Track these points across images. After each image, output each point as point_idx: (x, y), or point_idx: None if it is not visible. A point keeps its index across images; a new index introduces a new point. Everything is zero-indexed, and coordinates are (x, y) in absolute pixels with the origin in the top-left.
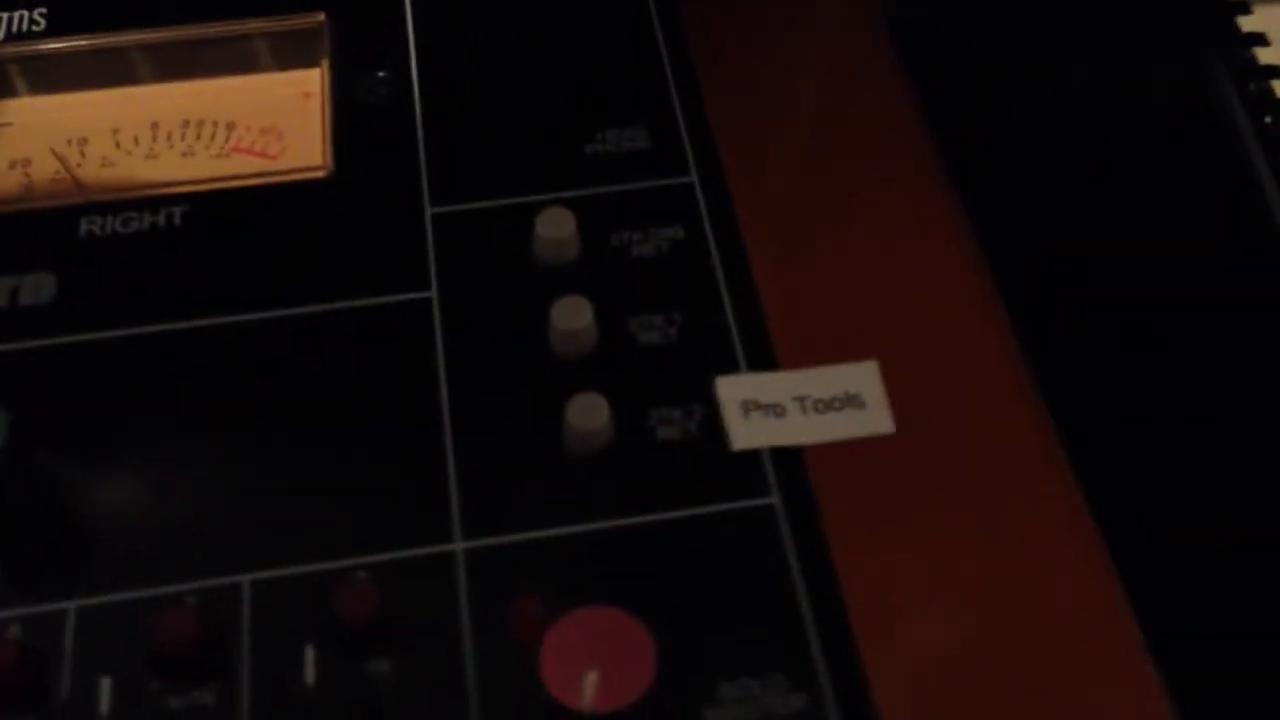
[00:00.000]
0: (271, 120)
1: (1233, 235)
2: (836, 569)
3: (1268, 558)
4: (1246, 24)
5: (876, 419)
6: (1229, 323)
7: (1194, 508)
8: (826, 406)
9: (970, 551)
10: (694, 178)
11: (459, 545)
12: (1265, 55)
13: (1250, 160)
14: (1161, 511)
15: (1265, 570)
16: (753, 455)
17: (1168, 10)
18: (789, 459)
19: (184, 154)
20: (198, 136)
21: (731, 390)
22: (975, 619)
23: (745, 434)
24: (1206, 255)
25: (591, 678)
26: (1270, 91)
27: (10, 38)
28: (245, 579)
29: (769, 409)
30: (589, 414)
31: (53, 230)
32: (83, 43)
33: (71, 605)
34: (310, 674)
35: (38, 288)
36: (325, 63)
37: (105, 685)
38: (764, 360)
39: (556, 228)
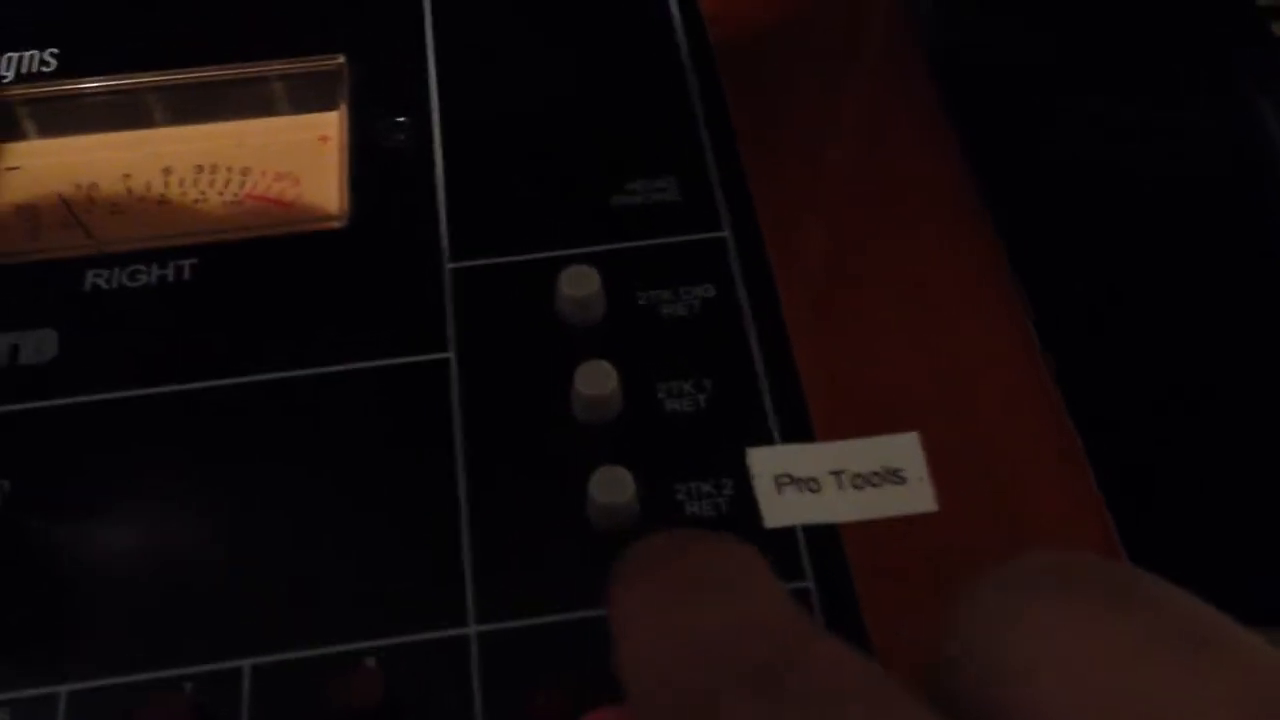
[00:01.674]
0: (287, 166)
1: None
2: (873, 652)
3: None
4: None
5: (918, 495)
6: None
7: (1247, 588)
8: (865, 481)
9: None
10: (727, 232)
11: (473, 629)
12: None
13: None
14: (1213, 584)
15: None
16: (787, 534)
17: (1213, 47)
18: (825, 538)
19: (196, 200)
20: (211, 183)
21: (764, 463)
22: None
23: (778, 511)
24: (1253, 301)
25: None
26: None
27: (20, 79)
28: (246, 663)
29: (803, 483)
30: (614, 488)
31: (58, 283)
32: (94, 84)
33: (63, 689)
34: None
35: (39, 345)
36: (344, 106)
37: None
38: (799, 430)
39: (580, 286)
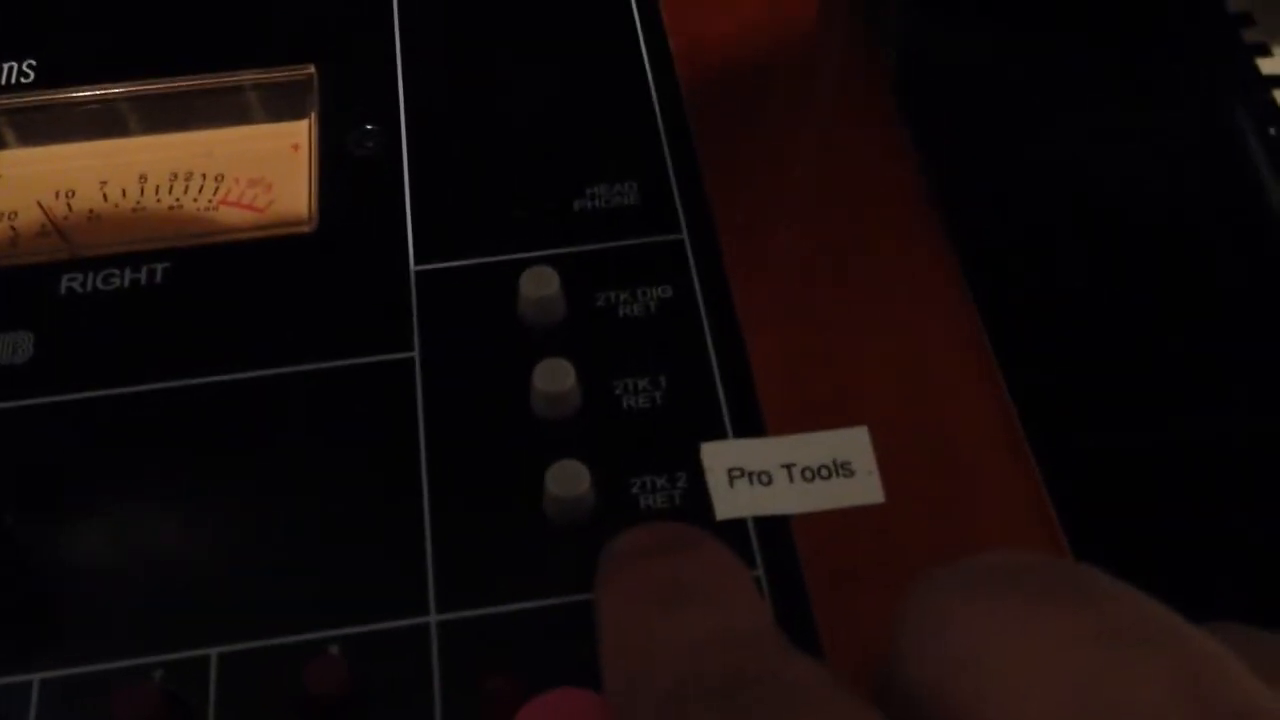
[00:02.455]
0: (260, 172)
1: (1253, 283)
2: (821, 644)
3: None
4: (1266, 66)
5: (866, 488)
6: (1251, 378)
7: (1201, 590)
8: (815, 474)
9: None
10: (684, 235)
11: (433, 618)
12: None
13: (1271, 205)
14: (1163, 589)
15: None
16: (738, 525)
17: (1185, 53)
18: (775, 529)
19: (171, 207)
20: (185, 189)
21: (717, 457)
22: None
23: (730, 503)
24: (1225, 303)
25: None
26: None
27: None
28: (213, 651)
29: (755, 476)
30: (569, 481)
31: (34, 287)
32: (72, 95)
33: (36, 678)
34: None
35: (15, 346)
36: (313, 115)
37: None
38: (752, 425)
39: (540, 287)
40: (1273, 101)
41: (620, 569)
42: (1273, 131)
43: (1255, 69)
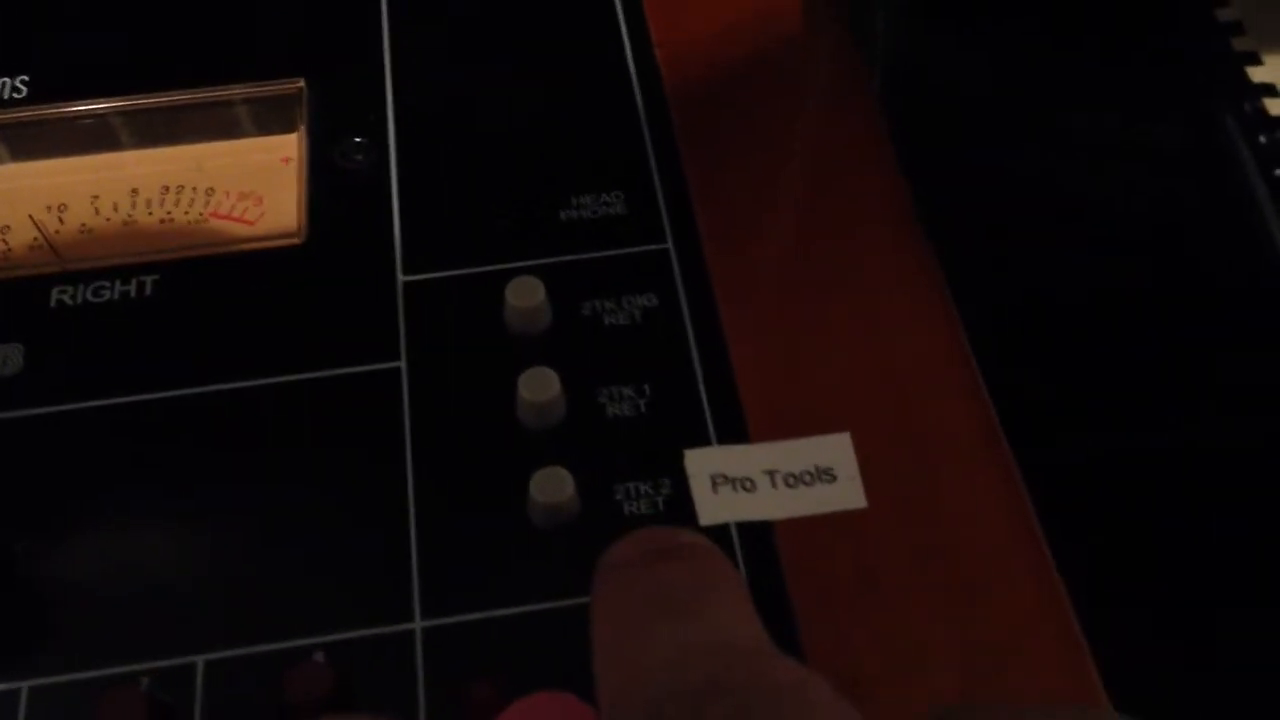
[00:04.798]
0: (250, 186)
1: (1243, 291)
2: (804, 648)
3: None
4: (1256, 75)
5: (848, 493)
6: (1239, 386)
7: (1180, 594)
8: (797, 480)
9: (940, 631)
10: (670, 244)
11: (418, 624)
12: (1276, 107)
13: (1262, 214)
14: (1140, 591)
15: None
16: (721, 530)
17: (1176, 62)
18: (758, 534)
19: (162, 220)
20: (176, 202)
21: (700, 464)
22: (945, 700)
23: (714, 509)
24: (1214, 311)
25: None
26: None
27: None
28: (200, 659)
29: (738, 483)
30: (554, 488)
31: (24, 300)
32: (64, 110)
33: (25, 685)
34: None
35: (6, 359)
36: (302, 128)
37: None
38: (735, 432)
39: (526, 296)
40: (1263, 110)
41: (610, 581)
42: (1263, 140)
43: (1246, 77)
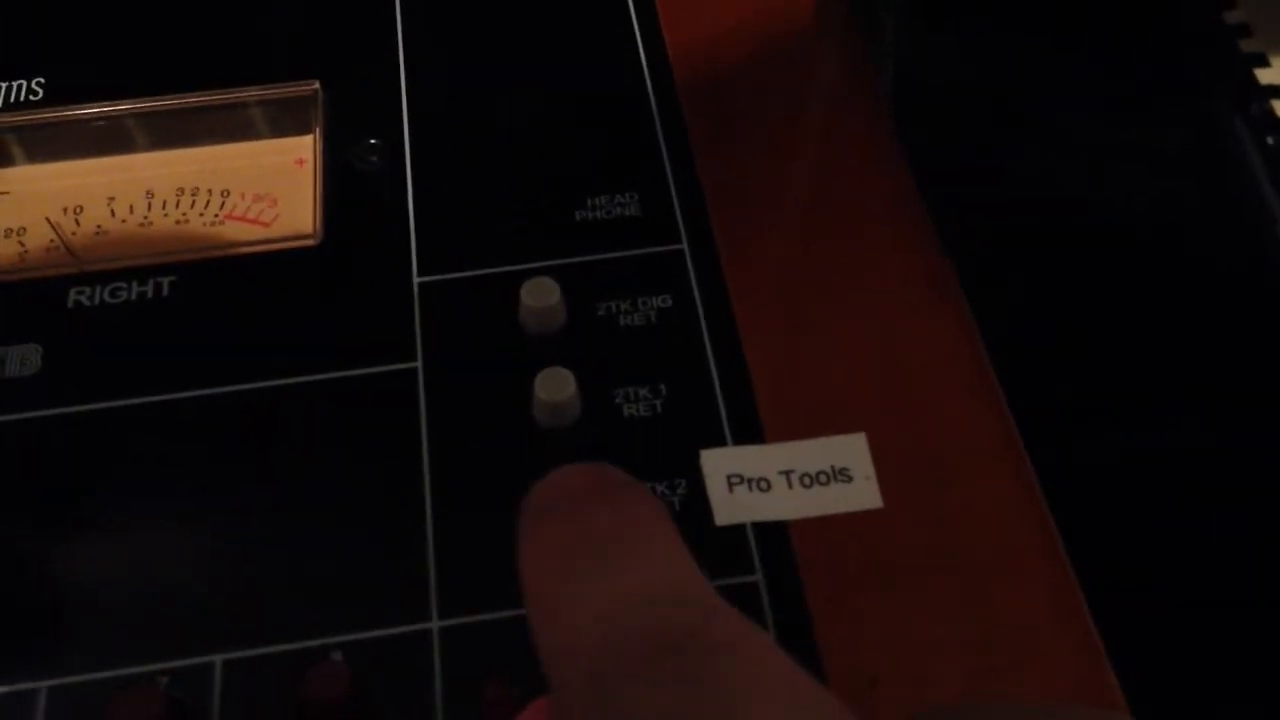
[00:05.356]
0: (265, 187)
1: (1251, 292)
2: (820, 648)
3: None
4: (1264, 76)
5: (864, 494)
6: (1245, 389)
7: (1194, 594)
8: (813, 480)
9: (955, 629)
10: (684, 245)
11: (435, 624)
12: None
13: (1270, 214)
14: (1157, 594)
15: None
16: (737, 530)
17: (1184, 64)
18: (774, 534)
19: (178, 222)
20: (192, 204)
21: (716, 464)
22: (960, 698)
23: (729, 509)
24: (1223, 313)
25: None
26: None
27: (8, 107)
28: (217, 659)
29: (754, 483)
30: None
31: (42, 301)
32: (80, 112)
33: (44, 685)
34: None
35: (24, 359)
36: (318, 130)
37: None
38: (751, 433)
39: (541, 297)
40: (1271, 112)
41: (535, 527)
42: (1271, 141)
43: (1253, 79)
